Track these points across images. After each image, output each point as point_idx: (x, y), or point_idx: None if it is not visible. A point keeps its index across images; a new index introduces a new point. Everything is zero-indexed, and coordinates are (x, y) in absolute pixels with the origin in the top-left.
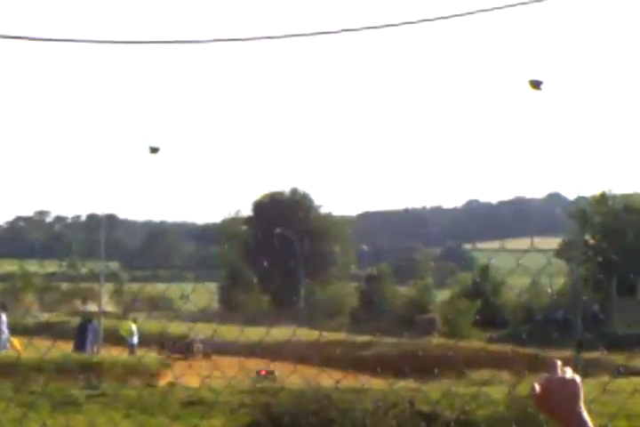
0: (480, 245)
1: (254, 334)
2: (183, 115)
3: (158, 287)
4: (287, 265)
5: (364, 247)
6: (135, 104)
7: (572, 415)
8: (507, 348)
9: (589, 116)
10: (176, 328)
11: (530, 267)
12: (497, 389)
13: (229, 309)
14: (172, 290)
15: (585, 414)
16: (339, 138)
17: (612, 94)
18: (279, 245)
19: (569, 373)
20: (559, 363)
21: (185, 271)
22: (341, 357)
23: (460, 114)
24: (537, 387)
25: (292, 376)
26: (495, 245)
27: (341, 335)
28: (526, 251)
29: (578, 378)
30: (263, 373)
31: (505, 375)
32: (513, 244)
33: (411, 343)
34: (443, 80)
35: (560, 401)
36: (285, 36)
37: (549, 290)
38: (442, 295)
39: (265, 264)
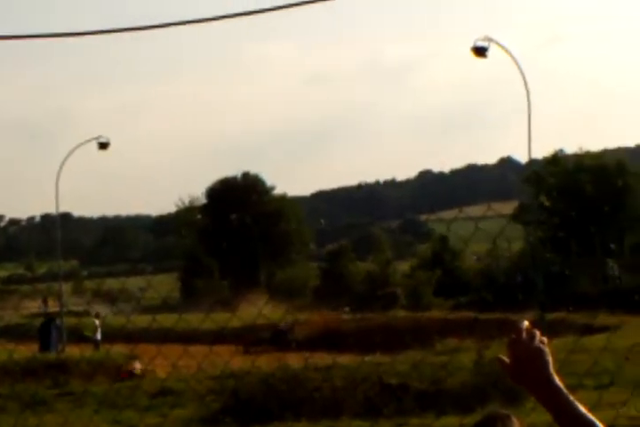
0: (437, 216)
1: (220, 319)
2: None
3: (117, 282)
4: (245, 249)
5: (322, 222)
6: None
7: (545, 384)
8: (470, 315)
9: (534, 75)
10: (139, 320)
11: (490, 232)
12: (464, 356)
13: (190, 297)
14: (130, 283)
15: (556, 380)
16: (286, 118)
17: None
18: (236, 231)
19: (537, 336)
20: (525, 325)
21: (142, 264)
22: (308, 335)
23: (409, 80)
24: (504, 359)
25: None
26: (451, 214)
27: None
28: (483, 217)
29: (544, 344)
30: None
31: (471, 342)
32: (469, 211)
33: (375, 318)
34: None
35: (530, 371)
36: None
37: (508, 254)
38: (402, 268)
39: (223, 247)
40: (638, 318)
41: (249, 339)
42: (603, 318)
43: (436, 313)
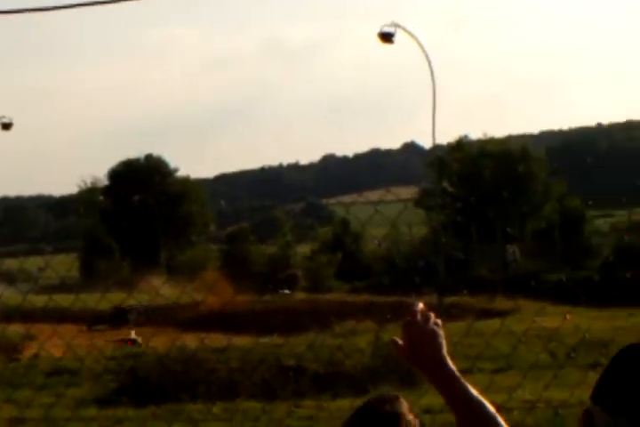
0: (338, 200)
1: (117, 299)
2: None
3: (16, 261)
4: (147, 231)
5: (222, 203)
6: None
7: (437, 367)
8: (368, 298)
9: (440, 60)
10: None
11: (388, 216)
12: (362, 338)
13: (89, 277)
14: (30, 263)
15: (449, 363)
16: (190, 101)
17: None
18: (138, 212)
19: (431, 319)
20: (420, 307)
21: (42, 243)
22: (205, 316)
23: (313, 63)
24: (398, 341)
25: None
26: (353, 198)
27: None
28: (380, 201)
29: (438, 326)
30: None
31: (369, 325)
32: (370, 195)
33: (273, 300)
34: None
35: (423, 353)
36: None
37: (409, 238)
38: (303, 251)
39: (123, 227)
40: (535, 302)
41: (92, 317)
42: (501, 303)
43: (335, 296)
